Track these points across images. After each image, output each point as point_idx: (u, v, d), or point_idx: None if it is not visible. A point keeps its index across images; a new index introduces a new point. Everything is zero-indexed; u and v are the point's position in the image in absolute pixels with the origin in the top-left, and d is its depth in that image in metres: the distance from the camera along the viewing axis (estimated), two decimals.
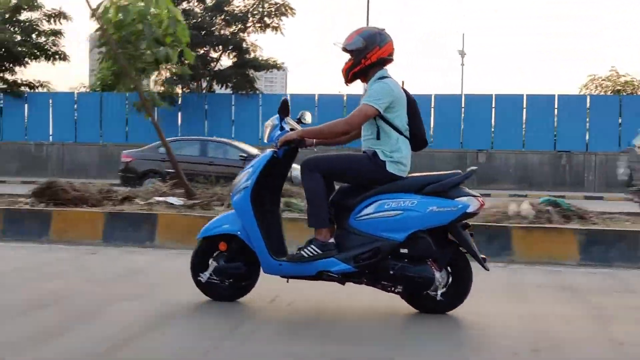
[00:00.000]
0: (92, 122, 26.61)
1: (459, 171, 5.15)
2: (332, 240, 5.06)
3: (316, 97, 26.25)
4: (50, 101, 27.43)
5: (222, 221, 5.40)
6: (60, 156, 26.00)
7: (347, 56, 5.19)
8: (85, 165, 25.56)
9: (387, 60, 5.21)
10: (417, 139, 5.24)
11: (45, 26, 27.84)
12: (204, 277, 5.27)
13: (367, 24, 31.17)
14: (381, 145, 5.08)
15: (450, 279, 5.13)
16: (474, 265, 5.13)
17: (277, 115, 5.29)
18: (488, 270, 5.15)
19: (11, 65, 27.77)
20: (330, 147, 5.97)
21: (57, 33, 28.16)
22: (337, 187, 5.33)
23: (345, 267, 4.97)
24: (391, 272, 4.98)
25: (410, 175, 5.15)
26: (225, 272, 5.24)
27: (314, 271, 5.03)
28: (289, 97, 22.22)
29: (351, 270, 4.98)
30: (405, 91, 5.21)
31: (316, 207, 5.03)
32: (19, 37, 27.27)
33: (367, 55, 5.09)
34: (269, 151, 5.21)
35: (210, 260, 5.27)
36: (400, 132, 5.11)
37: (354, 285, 5.15)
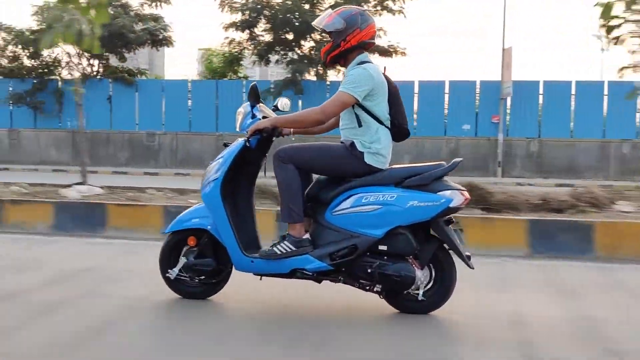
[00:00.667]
0: (207, 111, 26.02)
1: (443, 163, 4.74)
2: (307, 236, 4.77)
3: (416, 84, 24.41)
4: (162, 89, 26.96)
5: (192, 215, 5.14)
6: (172, 146, 25.96)
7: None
8: (200, 155, 25.23)
9: (368, 43, 4.85)
10: (399, 129, 4.86)
11: (146, 10, 27.29)
12: (173, 273, 5.06)
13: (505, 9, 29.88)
14: (360, 135, 4.74)
15: (433, 278, 4.77)
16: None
17: (248, 102, 5.04)
18: (472, 268, 4.73)
19: (120, 51, 27.05)
20: (308, 137, 5.60)
21: (157, 18, 27.58)
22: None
23: (321, 264, 4.69)
24: (369, 270, 4.66)
25: (390, 167, 4.80)
26: (195, 269, 5.01)
27: (287, 269, 4.77)
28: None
29: (327, 268, 4.70)
30: (387, 78, 4.84)
31: (289, 201, 4.74)
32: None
33: (347, 37, 4.75)
34: (240, 140, 4.97)
35: (180, 256, 5.07)
36: (381, 122, 4.76)
37: (333, 283, 4.87)
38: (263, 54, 26.43)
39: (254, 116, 4.95)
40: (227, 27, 26.07)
